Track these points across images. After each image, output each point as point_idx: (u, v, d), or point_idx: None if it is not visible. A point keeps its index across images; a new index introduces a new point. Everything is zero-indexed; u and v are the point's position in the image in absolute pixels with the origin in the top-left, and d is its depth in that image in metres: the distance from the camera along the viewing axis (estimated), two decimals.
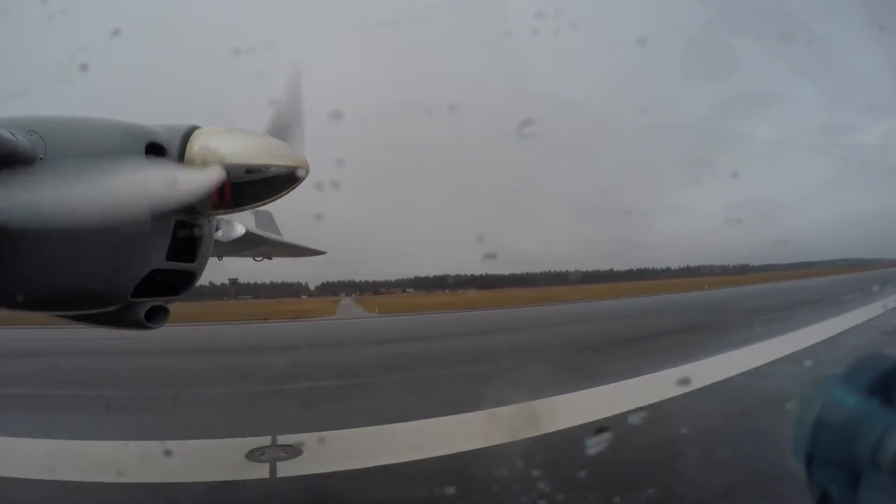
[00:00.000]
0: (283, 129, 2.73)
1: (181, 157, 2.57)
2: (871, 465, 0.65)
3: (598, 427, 2.71)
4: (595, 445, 2.57)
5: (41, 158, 2.30)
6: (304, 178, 2.63)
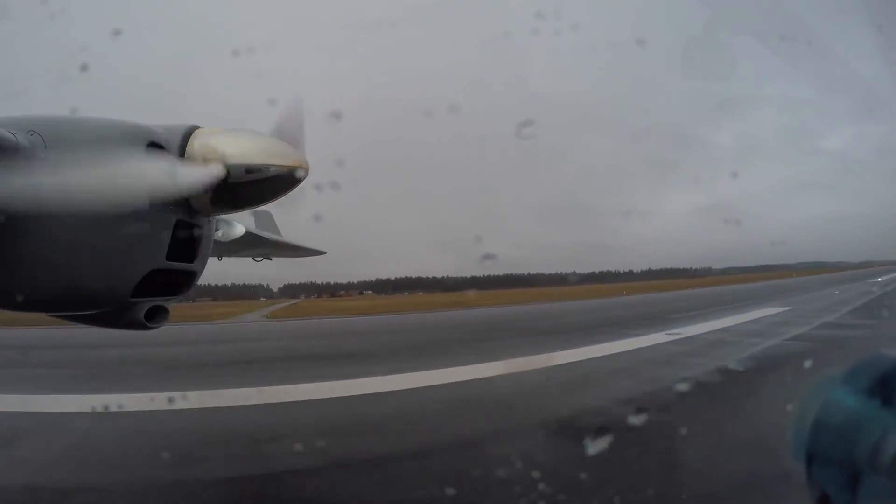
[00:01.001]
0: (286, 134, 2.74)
1: (181, 157, 2.57)
2: (871, 466, 0.65)
3: (599, 428, 2.71)
4: (595, 446, 2.58)
5: (41, 158, 2.30)
6: (303, 179, 2.63)
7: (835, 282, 31.06)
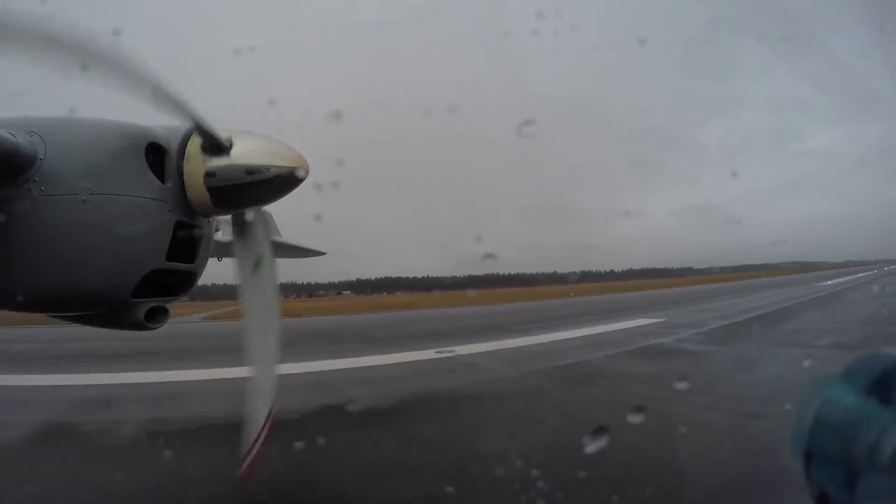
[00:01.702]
0: None
1: (181, 158, 2.57)
2: (869, 464, 0.65)
3: (597, 427, 2.72)
4: (593, 445, 2.58)
5: (41, 159, 2.30)
6: (304, 179, 2.63)
7: (787, 283, 30.23)
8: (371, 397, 6.40)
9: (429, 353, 9.64)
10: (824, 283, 27.84)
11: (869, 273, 39.66)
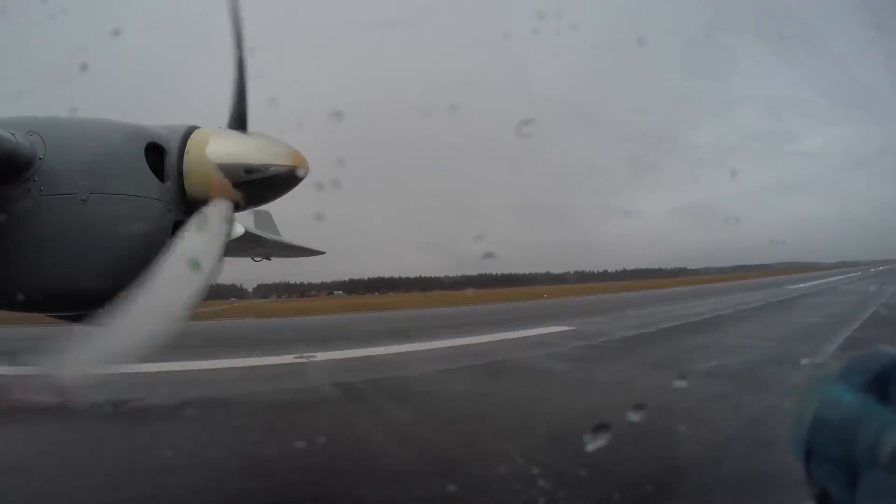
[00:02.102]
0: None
1: (181, 158, 2.57)
2: (870, 462, 0.65)
3: (598, 425, 2.72)
4: (594, 443, 2.58)
5: (41, 159, 2.30)
6: (303, 178, 2.63)
7: (761, 286, 28.80)
8: (150, 398, 6.27)
9: (287, 358, 9.28)
10: (795, 287, 26.50)
11: (853, 275, 38.81)
